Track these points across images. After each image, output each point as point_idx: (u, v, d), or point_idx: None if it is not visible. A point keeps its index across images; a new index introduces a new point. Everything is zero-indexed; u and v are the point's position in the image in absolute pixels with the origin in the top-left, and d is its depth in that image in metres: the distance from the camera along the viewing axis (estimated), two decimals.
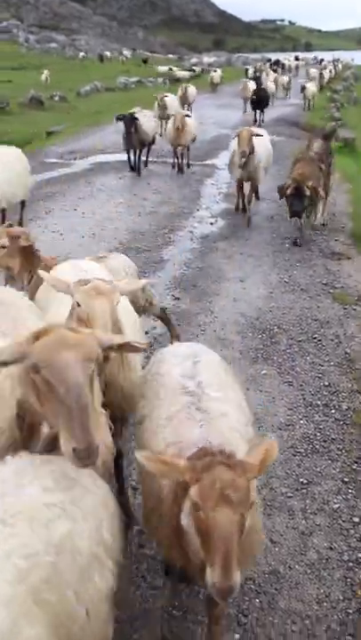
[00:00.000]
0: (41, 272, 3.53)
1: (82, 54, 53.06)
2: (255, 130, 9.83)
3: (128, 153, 13.34)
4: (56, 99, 27.55)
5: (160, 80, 39.43)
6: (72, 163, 14.77)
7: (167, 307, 6.87)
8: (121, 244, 8.99)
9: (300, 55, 70.67)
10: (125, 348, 2.66)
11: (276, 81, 30.87)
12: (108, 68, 46.21)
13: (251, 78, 31.12)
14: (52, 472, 2.25)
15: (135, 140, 12.93)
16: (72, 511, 2.16)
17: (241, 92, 25.40)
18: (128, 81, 36.22)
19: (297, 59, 58.89)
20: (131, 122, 12.62)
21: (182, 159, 13.76)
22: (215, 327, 6.46)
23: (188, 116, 13.37)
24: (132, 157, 13.35)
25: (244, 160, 9.30)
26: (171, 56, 74.75)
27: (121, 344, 2.61)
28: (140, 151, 13.45)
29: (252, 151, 9.27)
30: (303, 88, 26.74)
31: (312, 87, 26.75)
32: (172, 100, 18.69)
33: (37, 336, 2.35)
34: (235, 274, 7.92)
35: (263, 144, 9.93)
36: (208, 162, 14.97)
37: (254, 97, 21.24)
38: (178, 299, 7.13)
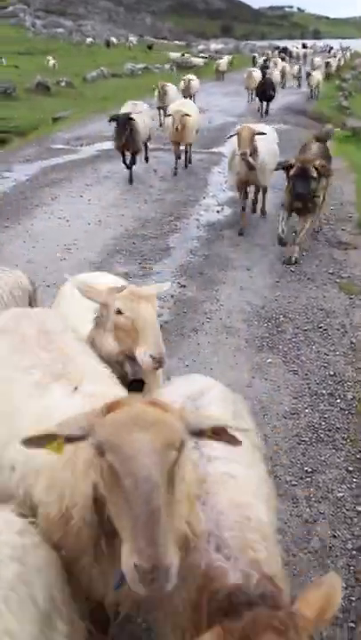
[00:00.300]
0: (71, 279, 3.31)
1: (89, 40, 52.51)
2: (258, 126, 8.72)
3: (123, 155, 11.64)
4: (62, 84, 27.45)
5: (167, 67, 39.19)
6: (78, 149, 14.72)
7: (173, 294, 6.89)
8: (127, 230, 8.98)
9: (309, 43, 70.11)
10: (222, 435, 1.92)
11: (283, 70, 29.95)
12: (114, 54, 45.90)
13: (260, 67, 30.61)
14: (2, 517, 2.02)
15: (129, 143, 11.28)
16: (25, 558, 1.88)
17: (246, 82, 24.44)
18: (135, 67, 36.01)
19: (305, 46, 58.40)
20: (125, 124, 10.95)
21: (187, 153, 13.03)
22: (221, 315, 6.46)
23: (187, 115, 11.58)
24: (127, 156, 11.71)
25: (244, 162, 8.27)
26: (177, 42, 74.18)
27: (217, 428, 1.90)
28: (133, 156, 11.74)
29: (254, 152, 8.15)
30: (308, 76, 26.56)
31: (317, 75, 26.39)
32: (173, 90, 17.97)
33: (110, 408, 1.82)
34: (241, 262, 7.91)
35: (267, 143, 8.73)
36: (215, 149, 14.89)
37: (260, 87, 20.46)
38: (184, 286, 7.13)
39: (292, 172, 7.47)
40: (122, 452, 1.67)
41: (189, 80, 21.69)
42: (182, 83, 21.32)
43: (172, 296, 6.86)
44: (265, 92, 20.35)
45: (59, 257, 7.92)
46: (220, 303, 6.74)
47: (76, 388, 2.46)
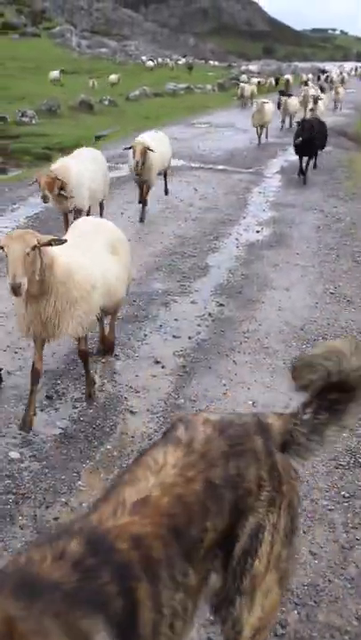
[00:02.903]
0: None
1: (150, 63, 53.12)
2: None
3: None
4: (105, 103, 27.95)
5: (209, 87, 39.59)
6: (120, 167, 14.90)
7: (211, 313, 6.91)
8: (166, 248, 9.05)
9: (348, 65, 69.86)
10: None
11: (306, 96, 23.29)
12: (157, 74, 46.61)
13: (280, 92, 25.76)
14: None
15: None
16: None
17: (254, 118, 18.21)
18: (177, 87, 36.51)
19: (342, 72, 57.62)
20: None
21: None
22: (259, 335, 6.44)
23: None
24: None
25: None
26: (216, 63, 74.95)
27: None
28: None
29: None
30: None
31: (321, 106, 21.53)
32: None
33: None
34: (280, 283, 7.89)
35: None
36: (254, 169, 14.95)
37: (299, 138, 12.70)
38: (222, 305, 7.14)
39: None
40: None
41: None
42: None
43: (210, 315, 6.88)
44: (309, 142, 12.82)
45: None
46: (258, 323, 6.73)
47: None
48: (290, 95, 22.93)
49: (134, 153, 9.65)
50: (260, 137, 18.77)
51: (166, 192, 12.02)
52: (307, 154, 13.21)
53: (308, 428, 2.17)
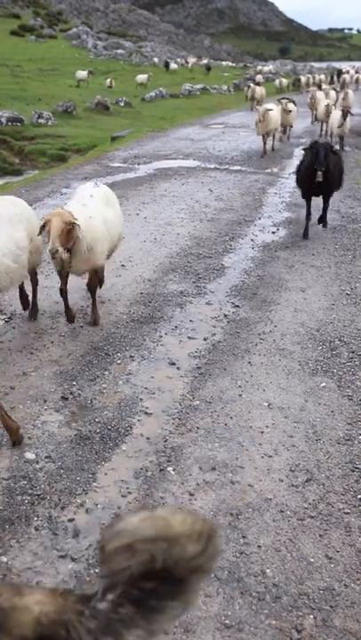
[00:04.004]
0: None
1: (173, 65, 52.72)
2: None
3: None
4: (121, 104, 28.02)
5: (225, 87, 39.55)
6: (136, 167, 14.94)
7: (227, 314, 6.88)
8: (182, 249, 9.03)
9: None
10: None
11: (312, 100, 21.72)
12: (173, 75, 46.61)
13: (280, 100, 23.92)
14: None
15: None
16: None
17: (259, 126, 16.06)
18: (193, 88, 36.48)
19: (358, 71, 56.76)
20: None
21: None
22: (275, 337, 6.41)
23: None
24: None
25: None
26: (230, 63, 74.76)
27: None
28: None
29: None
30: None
31: (335, 116, 20.51)
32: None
33: None
34: (296, 284, 7.85)
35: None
36: (270, 170, 14.89)
37: (319, 173, 8.81)
38: (237, 306, 7.11)
39: None
40: None
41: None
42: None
43: (225, 316, 6.85)
44: (322, 182, 8.95)
45: (114, 273, 8.03)
46: (273, 324, 6.69)
47: None
48: (290, 100, 20.28)
49: (48, 234, 5.56)
50: (265, 145, 16.64)
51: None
52: (323, 192, 9.41)
53: (98, 624, 1.25)
